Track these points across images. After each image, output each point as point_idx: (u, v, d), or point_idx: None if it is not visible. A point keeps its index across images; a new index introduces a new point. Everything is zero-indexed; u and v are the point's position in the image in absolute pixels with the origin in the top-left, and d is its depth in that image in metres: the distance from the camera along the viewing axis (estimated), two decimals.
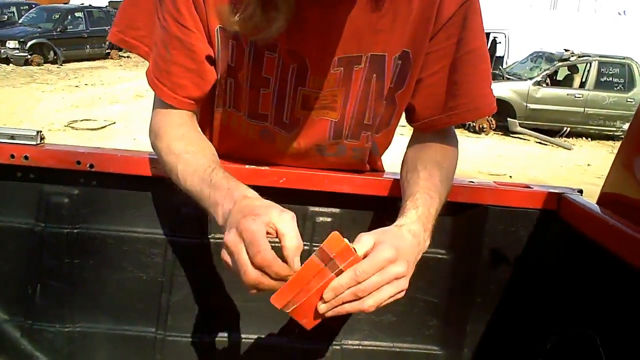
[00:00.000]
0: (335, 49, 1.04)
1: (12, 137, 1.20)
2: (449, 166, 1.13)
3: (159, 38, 1.06)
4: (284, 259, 0.79)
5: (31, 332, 1.29)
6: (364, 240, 0.84)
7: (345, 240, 0.79)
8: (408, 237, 0.91)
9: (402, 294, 0.86)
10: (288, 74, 1.07)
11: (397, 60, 1.09)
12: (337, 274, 0.80)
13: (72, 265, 1.27)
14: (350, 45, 1.04)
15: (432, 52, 1.09)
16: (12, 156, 1.18)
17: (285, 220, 0.81)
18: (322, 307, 0.82)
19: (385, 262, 0.82)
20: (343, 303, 0.82)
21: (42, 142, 1.22)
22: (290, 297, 0.81)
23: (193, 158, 1.01)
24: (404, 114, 1.22)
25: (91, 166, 1.19)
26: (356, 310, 0.83)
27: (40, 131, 1.22)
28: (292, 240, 0.80)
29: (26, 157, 1.18)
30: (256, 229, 0.78)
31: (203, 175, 0.96)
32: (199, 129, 1.12)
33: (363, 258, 0.82)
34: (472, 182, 1.28)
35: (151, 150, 1.14)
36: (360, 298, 0.81)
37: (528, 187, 1.29)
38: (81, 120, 9.39)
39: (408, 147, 1.20)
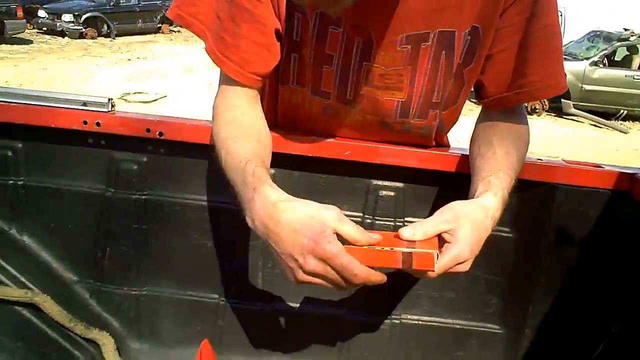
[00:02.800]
0: (402, 25, 1.02)
1: (85, 103, 1.22)
2: (522, 147, 1.10)
3: (225, 12, 1.03)
4: None
5: (99, 294, 1.34)
6: (434, 226, 0.89)
7: (435, 263, 0.84)
8: (488, 224, 0.93)
9: None
10: (352, 49, 1.06)
11: (466, 36, 1.06)
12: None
13: (139, 230, 1.30)
14: (417, 22, 1.02)
15: (503, 27, 1.06)
16: (85, 122, 1.20)
17: (341, 221, 0.84)
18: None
19: (453, 264, 0.87)
20: None
21: (113, 109, 1.24)
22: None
23: (235, 146, 0.99)
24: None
25: (160, 134, 1.21)
26: None
27: (112, 99, 1.24)
28: (356, 233, 0.84)
29: (98, 124, 1.21)
30: (337, 252, 0.81)
31: (238, 167, 0.96)
32: (258, 108, 1.11)
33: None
34: (541, 159, 1.25)
35: None
36: None
37: (599, 166, 1.25)
38: (134, 93, 9.59)
39: (477, 123, 1.18)
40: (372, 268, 0.84)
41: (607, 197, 1.23)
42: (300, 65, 1.12)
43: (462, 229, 0.88)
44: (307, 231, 0.82)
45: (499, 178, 0.99)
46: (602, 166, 1.25)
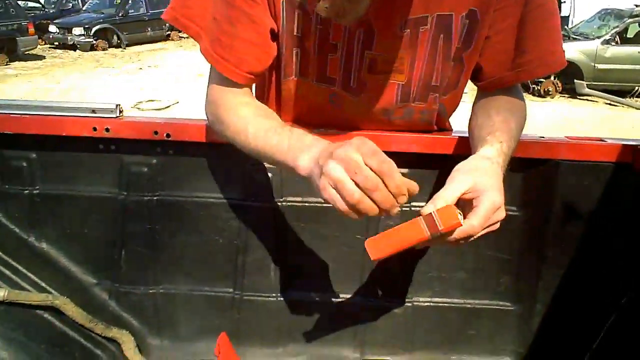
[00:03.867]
0: (401, 11, 1.04)
1: (94, 111, 1.26)
2: (519, 117, 1.12)
3: (221, 13, 1.06)
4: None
5: (118, 295, 1.38)
6: (454, 188, 0.88)
7: (459, 215, 0.82)
8: (499, 171, 0.93)
9: None
10: (355, 39, 1.08)
11: (464, 20, 1.07)
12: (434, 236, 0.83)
13: (153, 230, 1.34)
14: (416, 6, 1.04)
15: (500, 8, 1.08)
16: (95, 129, 1.24)
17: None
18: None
19: (492, 212, 0.87)
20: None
21: (121, 114, 1.28)
22: (383, 248, 0.83)
23: (265, 120, 1.03)
24: None
25: (168, 135, 1.24)
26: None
27: (119, 104, 1.28)
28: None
29: (107, 129, 1.24)
30: (370, 142, 0.81)
31: (281, 130, 0.97)
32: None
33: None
34: (543, 137, 1.26)
35: None
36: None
37: (601, 140, 1.26)
38: (146, 101, 9.67)
39: (475, 103, 1.20)
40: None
41: (610, 170, 1.24)
42: (303, 58, 1.14)
43: (480, 180, 0.88)
44: (357, 142, 0.82)
45: (496, 136, 1.00)
46: (605, 140, 1.26)
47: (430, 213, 0.81)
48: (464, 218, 0.87)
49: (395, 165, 0.80)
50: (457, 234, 0.85)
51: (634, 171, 1.22)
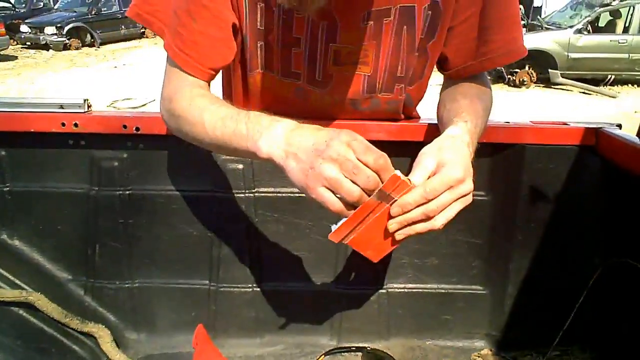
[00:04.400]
0: (364, 3, 1.04)
1: (61, 106, 1.25)
2: (486, 100, 1.13)
3: (182, 8, 1.05)
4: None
5: (93, 290, 1.38)
6: (420, 171, 0.85)
7: (401, 175, 0.79)
8: (464, 148, 0.90)
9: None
10: (318, 32, 1.08)
11: (426, 11, 1.08)
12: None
13: (126, 225, 1.34)
14: None
15: None
16: (63, 124, 1.24)
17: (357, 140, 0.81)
18: (392, 225, 0.83)
19: (455, 182, 0.83)
20: (413, 223, 0.83)
21: (90, 109, 1.27)
22: (347, 232, 0.83)
23: (220, 108, 0.99)
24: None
25: (137, 129, 1.24)
26: (427, 230, 0.84)
27: (87, 99, 1.27)
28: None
29: (76, 125, 1.24)
30: (360, 138, 0.80)
31: (237, 117, 0.94)
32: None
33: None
34: (509, 122, 1.29)
35: None
36: (430, 218, 0.83)
37: (565, 124, 1.28)
38: (122, 100, 9.58)
39: (442, 90, 1.21)
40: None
41: (575, 152, 1.27)
42: (267, 52, 1.14)
43: (444, 158, 0.86)
44: (329, 130, 0.82)
45: (462, 116, 1.00)
46: (569, 124, 1.29)
47: (380, 188, 0.79)
48: None
49: (388, 157, 0.79)
50: (410, 197, 0.81)
51: (597, 153, 1.25)
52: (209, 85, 1.11)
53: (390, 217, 0.83)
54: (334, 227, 0.84)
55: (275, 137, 0.86)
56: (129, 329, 1.41)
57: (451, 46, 1.16)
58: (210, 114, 0.98)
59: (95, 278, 1.37)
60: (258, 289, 1.39)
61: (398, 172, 0.79)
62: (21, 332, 1.30)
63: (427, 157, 0.87)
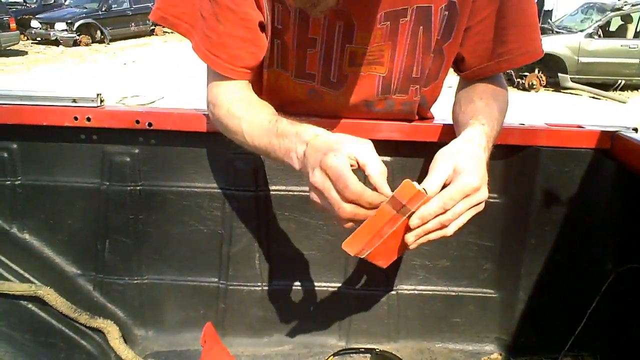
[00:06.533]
0: (381, 3, 1.04)
1: (74, 100, 1.25)
2: (502, 102, 1.12)
3: (208, 11, 1.05)
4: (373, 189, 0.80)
5: (102, 285, 1.38)
6: (437, 176, 0.85)
7: (417, 185, 0.79)
8: (481, 153, 0.91)
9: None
10: (334, 32, 1.08)
11: (443, 11, 1.08)
12: (409, 218, 0.81)
13: (136, 220, 1.34)
14: None
15: None
16: (76, 118, 1.23)
17: (364, 150, 0.82)
18: (410, 238, 0.83)
19: (471, 190, 0.83)
20: (428, 232, 0.83)
21: (102, 104, 1.27)
22: (363, 244, 0.82)
23: (255, 116, 1.02)
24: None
25: (149, 124, 1.24)
26: (438, 237, 0.85)
27: (100, 94, 1.27)
28: (376, 167, 0.81)
29: (88, 119, 1.23)
30: (339, 163, 0.79)
31: (268, 127, 0.97)
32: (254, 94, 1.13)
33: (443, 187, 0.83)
34: (523, 124, 1.27)
35: (205, 107, 1.18)
36: (444, 226, 0.83)
37: (580, 126, 1.27)
38: (131, 97, 9.61)
39: (458, 91, 1.20)
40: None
41: (590, 156, 1.26)
42: (284, 51, 1.14)
43: (459, 163, 0.86)
44: (326, 147, 0.82)
45: (478, 119, 1.00)
46: (584, 126, 1.27)
47: (393, 195, 0.78)
48: None
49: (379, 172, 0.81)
50: (429, 209, 0.81)
51: (612, 156, 1.23)
52: (247, 82, 1.12)
53: (408, 227, 0.82)
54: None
55: (301, 152, 0.89)
56: (137, 325, 1.40)
57: (467, 46, 1.15)
58: (247, 124, 1.02)
59: (104, 273, 1.37)
60: (267, 288, 1.38)
61: (416, 184, 0.79)
62: (30, 326, 1.30)
63: (443, 160, 0.87)
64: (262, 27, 1.09)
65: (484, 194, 0.85)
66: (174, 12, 1.11)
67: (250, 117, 1.02)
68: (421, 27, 1.09)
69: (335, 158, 0.79)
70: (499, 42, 1.12)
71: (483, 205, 0.87)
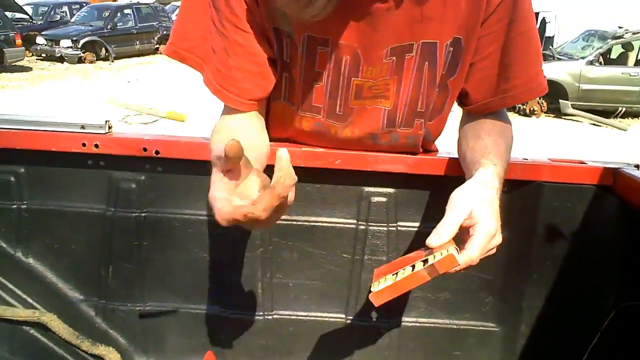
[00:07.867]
0: (387, 39, 1.05)
1: (83, 126, 1.27)
2: (508, 138, 1.15)
3: (218, 45, 1.07)
4: None
5: (105, 311, 1.38)
6: (453, 219, 0.90)
7: (457, 257, 0.85)
8: (495, 197, 0.95)
9: None
10: (341, 66, 1.09)
11: (448, 47, 1.09)
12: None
13: (140, 247, 1.34)
14: (401, 34, 1.05)
15: (484, 35, 1.10)
16: (84, 144, 1.25)
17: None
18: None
19: (488, 241, 0.89)
20: None
21: (110, 130, 1.28)
22: (390, 298, 0.88)
23: (223, 135, 1.03)
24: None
25: (157, 152, 1.25)
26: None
27: (108, 120, 1.28)
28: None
29: (96, 145, 1.25)
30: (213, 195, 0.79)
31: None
32: (261, 124, 1.15)
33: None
34: (526, 159, 1.29)
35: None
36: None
37: (583, 162, 1.28)
38: (134, 115, 9.65)
39: (462, 124, 1.22)
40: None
41: (592, 192, 1.27)
42: (291, 84, 1.16)
43: (477, 207, 0.90)
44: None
45: (489, 158, 1.03)
46: (586, 162, 1.29)
47: (434, 264, 0.85)
48: (462, 243, 0.90)
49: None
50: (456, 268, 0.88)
51: (614, 193, 1.24)
52: (256, 112, 1.14)
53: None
54: (374, 288, 0.88)
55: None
56: (138, 352, 1.40)
57: (472, 82, 1.17)
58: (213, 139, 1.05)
59: (107, 299, 1.37)
60: (269, 317, 1.38)
61: (457, 257, 0.85)
62: (32, 351, 1.30)
63: (459, 201, 0.92)
64: (271, 61, 1.11)
65: (498, 239, 0.91)
66: (187, 47, 1.13)
67: (212, 145, 1.04)
68: (426, 63, 1.10)
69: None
70: (504, 78, 1.14)
71: (495, 250, 0.92)
